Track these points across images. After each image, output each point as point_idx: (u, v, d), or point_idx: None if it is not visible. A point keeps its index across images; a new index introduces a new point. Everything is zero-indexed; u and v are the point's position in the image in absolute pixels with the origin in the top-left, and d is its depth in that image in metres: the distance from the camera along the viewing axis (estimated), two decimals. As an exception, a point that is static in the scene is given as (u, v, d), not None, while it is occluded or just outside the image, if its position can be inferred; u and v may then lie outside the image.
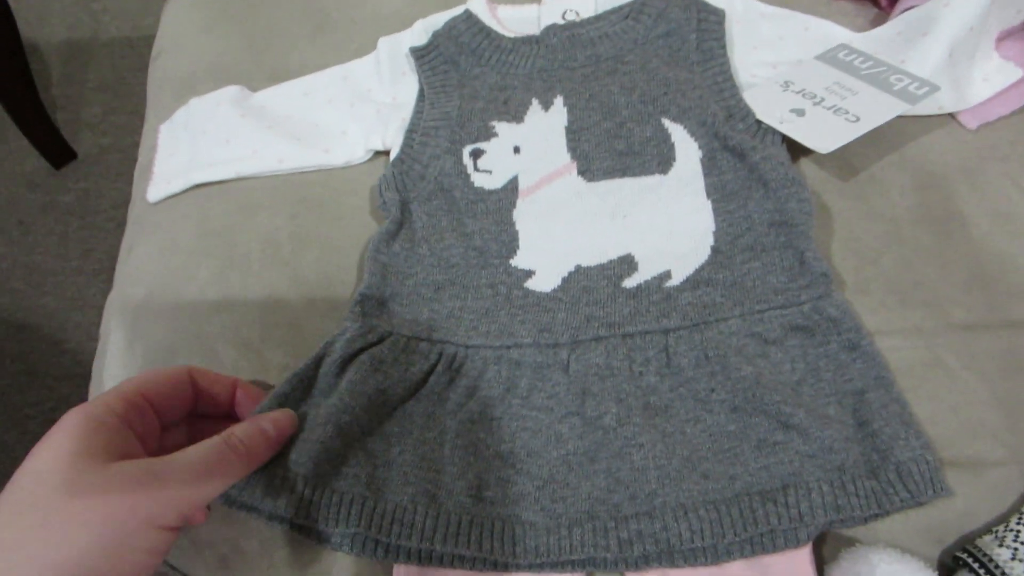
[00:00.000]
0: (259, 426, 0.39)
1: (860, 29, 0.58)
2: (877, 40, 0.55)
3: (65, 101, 1.56)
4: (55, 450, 0.34)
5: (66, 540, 0.31)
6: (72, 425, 0.35)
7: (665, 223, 0.49)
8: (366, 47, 0.62)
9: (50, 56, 1.64)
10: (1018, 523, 0.41)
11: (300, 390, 0.44)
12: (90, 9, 1.73)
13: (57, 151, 1.45)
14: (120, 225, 1.44)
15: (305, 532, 0.43)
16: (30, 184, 1.46)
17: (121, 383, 0.39)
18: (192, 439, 0.38)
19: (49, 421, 1.11)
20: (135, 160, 1.52)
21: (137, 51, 1.65)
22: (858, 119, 0.49)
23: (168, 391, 0.40)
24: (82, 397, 1.23)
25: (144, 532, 0.33)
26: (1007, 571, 0.39)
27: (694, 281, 0.47)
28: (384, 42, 0.60)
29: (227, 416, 0.44)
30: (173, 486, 0.34)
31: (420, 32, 0.60)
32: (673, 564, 0.41)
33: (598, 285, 0.47)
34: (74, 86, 1.59)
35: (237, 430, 0.38)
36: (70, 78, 1.61)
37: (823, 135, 0.49)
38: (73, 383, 1.24)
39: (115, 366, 0.52)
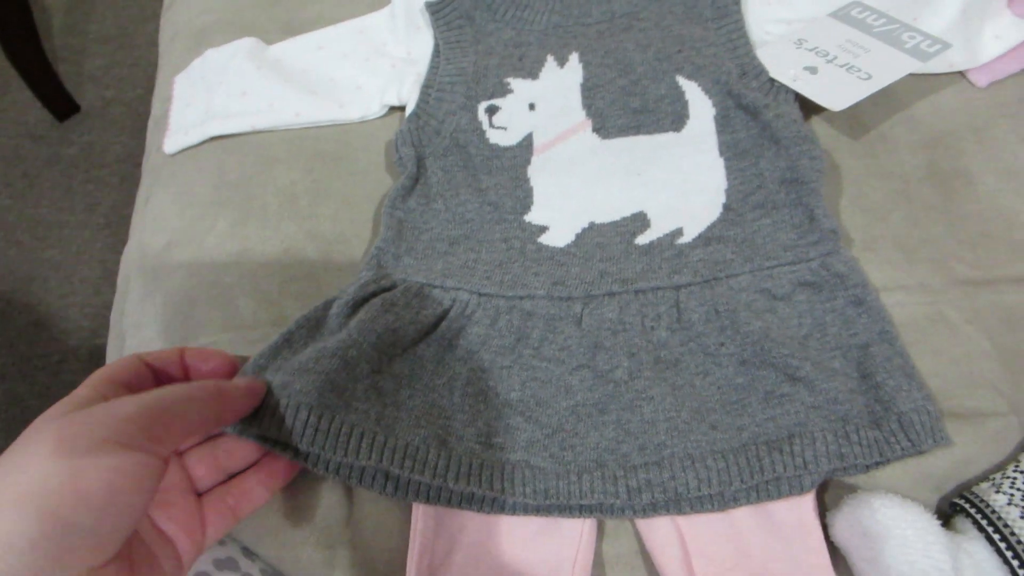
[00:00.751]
0: (234, 381, 0.40)
1: (874, -14, 0.58)
2: (891, -3, 0.55)
3: (68, 52, 1.55)
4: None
5: (21, 473, 0.30)
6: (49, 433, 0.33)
7: (678, 181, 0.50)
8: (380, 0, 0.61)
9: (52, 7, 1.62)
10: (1015, 471, 0.42)
11: (306, 329, 0.45)
12: (91, -41, 1.71)
13: (61, 103, 1.44)
14: (125, 179, 1.44)
15: (312, 463, 0.43)
16: (33, 136, 1.46)
17: (74, 391, 0.37)
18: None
19: (56, 372, 1.13)
20: (139, 113, 1.51)
21: (139, 3, 1.63)
22: (870, 77, 0.49)
23: (127, 373, 0.39)
24: (90, 348, 1.24)
25: (104, 450, 0.31)
26: (1003, 515, 0.41)
27: (705, 238, 0.48)
28: (399, -5, 0.60)
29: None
30: (132, 407, 0.33)
31: (435, -14, 0.60)
32: (680, 511, 0.42)
33: (611, 241, 0.48)
34: (76, 37, 1.58)
35: (216, 383, 0.39)
36: (72, 29, 1.59)
37: (835, 93, 0.49)
38: (80, 335, 1.25)
39: (136, 314, 0.53)
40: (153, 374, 0.40)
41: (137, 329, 0.53)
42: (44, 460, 0.30)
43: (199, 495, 0.41)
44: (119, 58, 1.55)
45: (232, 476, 0.42)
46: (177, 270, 0.53)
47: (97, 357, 1.21)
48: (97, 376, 0.37)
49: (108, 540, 0.31)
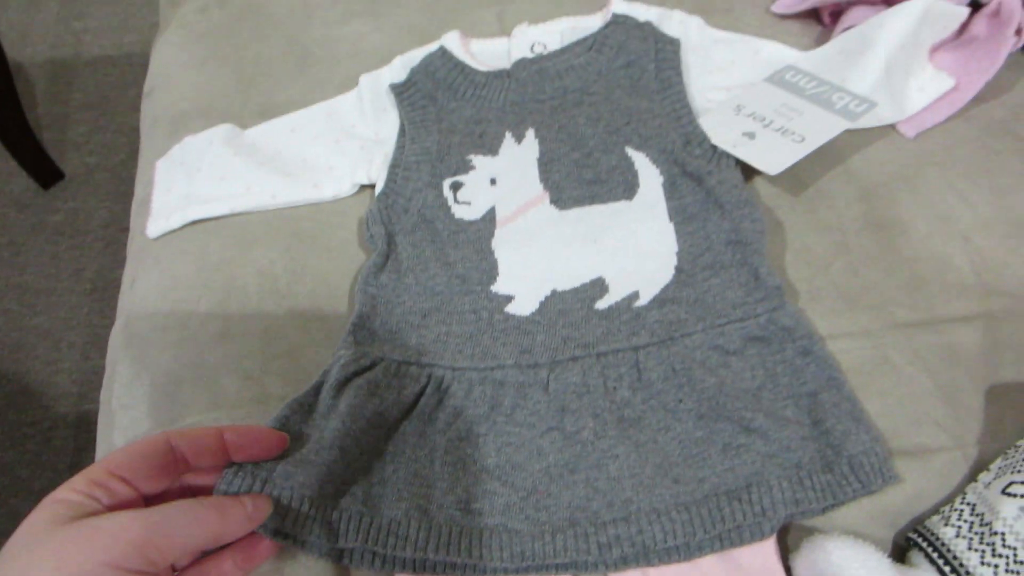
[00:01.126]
0: (240, 500, 0.40)
1: (806, 48, 0.62)
2: (820, 59, 0.59)
3: (51, 121, 1.58)
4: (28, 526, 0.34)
5: None
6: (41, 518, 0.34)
7: (632, 246, 0.53)
8: (349, 82, 0.65)
9: (34, 76, 1.66)
10: (962, 502, 0.45)
11: (300, 414, 0.48)
12: (72, 28, 1.75)
13: (45, 171, 1.47)
14: (110, 244, 1.47)
15: (307, 547, 0.45)
16: (19, 205, 1.48)
17: (90, 467, 0.37)
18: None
19: (46, 440, 1.14)
20: (122, 178, 1.54)
21: (120, 69, 1.67)
22: (803, 139, 0.53)
23: (139, 460, 0.38)
24: (79, 414, 1.25)
25: (103, 574, 0.32)
26: (952, 548, 0.43)
27: (660, 300, 0.51)
28: (365, 79, 0.64)
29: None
30: (135, 532, 0.34)
31: (399, 68, 0.64)
32: (650, 563, 0.44)
33: (573, 308, 0.52)
34: (59, 105, 1.61)
35: (219, 498, 0.39)
36: (55, 97, 1.62)
37: (772, 157, 0.53)
38: (69, 401, 1.27)
39: (124, 395, 0.55)
40: (175, 457, 0.40)
41: (125, 410, 0.55)
42: None
43: (175, 570, 0.41)
44: (102, 124, 1.59)
45: (207, 554, 0.43)
46: (163, 352, 0.55)
47: (86, 423, 1.22)
48: (102, 466, 0.37)
49: None
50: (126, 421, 0.54)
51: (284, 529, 0.44)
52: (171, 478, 0.40)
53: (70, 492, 0.36)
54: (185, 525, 0.36)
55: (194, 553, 0.39)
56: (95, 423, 0.58)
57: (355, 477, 0.46)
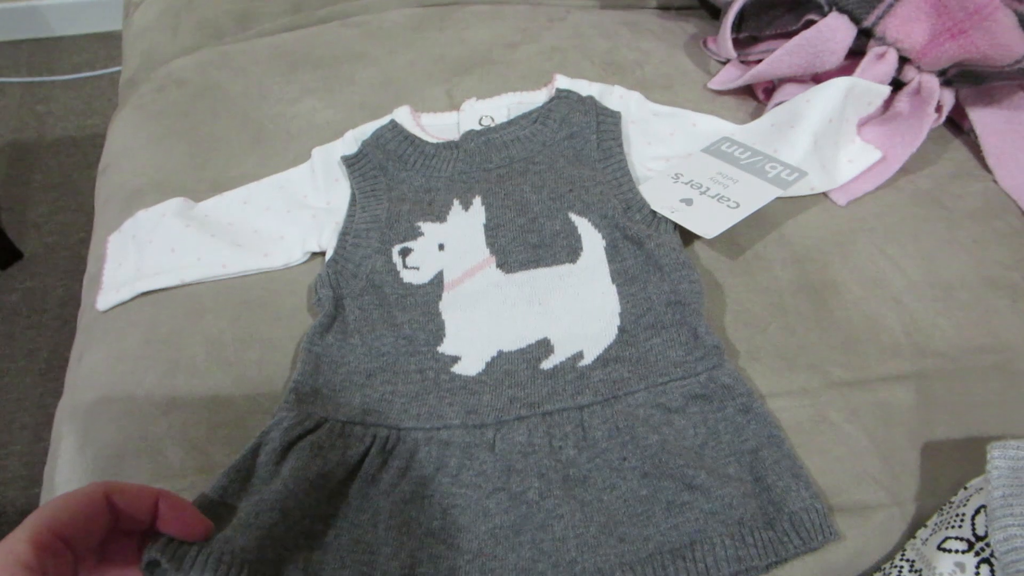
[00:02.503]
0: None
1: (742, 121, 0.66)
2: (754, 132, 0.62)
3: (11, 202, 1.58)
4: None
5: None
6: None
7: (576, 307, 0.54)
8: (301, 157, 0.67)
9: (-6, 159, 1.67)
10: (901, 559, 0.46)
11: (238, 482, 0.47)
12: (35, 111, 1.77)
13: (2, 252, 1.46)
14: (66, 323, 1.45)
15: None
16: (-26, 286, 1.47)
17: (30, 518, 0.35)
18: (104, 559, 0.38)
19: (-5, 525, 1.08)
20: (81, 257, 1.53)
21: (82, 150, 1.69)
22: (738, 205, 0.56)
23: (82, 521, 0.37)
24: (28, 500, 1.21)
25: None
26: (892, 604, 0.44)
27: (604, 359, 0.52)
28: (318, 152, 0.66)
29: (143, 531, 0.42)
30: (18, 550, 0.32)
31: (351, 141, 0.66)
32: (596, 624, 0.44)
33: (518, 368, 0.52)
34: (19, 187, 1.61)
35: None
36: (16, 179, 1.63)
37: (708, 222, 0.55)
38: (19, 485, 1.23)
39: (66, 470, 0.54)
40: (111, 512, 0.38)
41: (68, 484, 0.54)
42: None
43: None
44: (63, 204, 1.59)
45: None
46: (108, 424, 0.55)
47: (35, 507, 1.18)
48: (44, 525, 0.35)
49: None
50: (66, 494, 0.53)
51: None
52: (103, 534, 0.38)
53: (20, 568, 0.33)
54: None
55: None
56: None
57: (296, 542, 0.45)
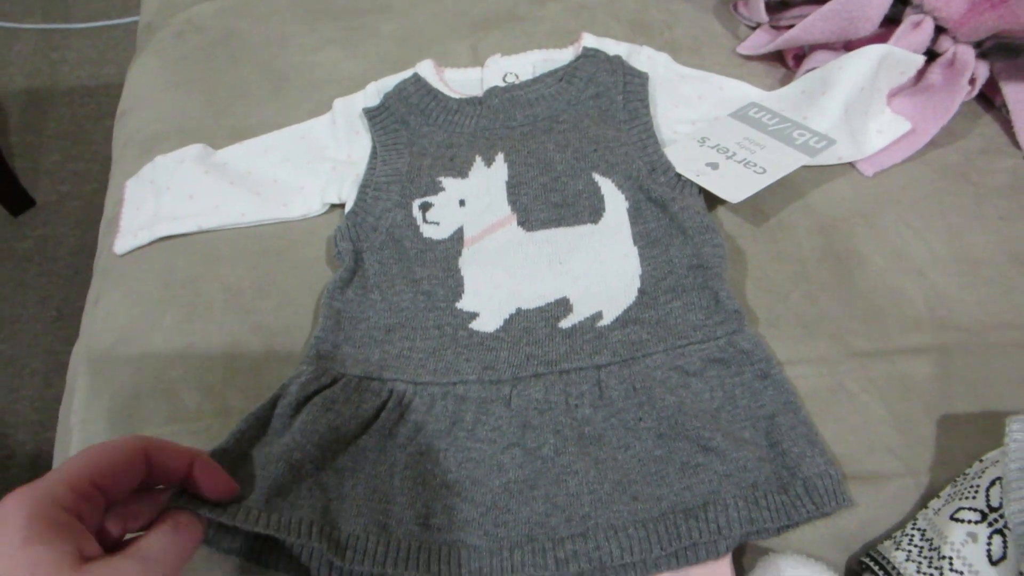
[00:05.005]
0: (175, 539, 0.39)
1: (770, 88, 0.65)
2: (783, 98, 0.61)
3: (24, 149, 1.58)
4: (6, 559, 0.32)
5: None
6: (20, 526, 0.32)
7: (597, 268, 0.54)
8: (322, 107, 0.66)
9: (8, 104, 1.66)
10: (912, 528, 0.46)
11: (255, 428, 0.47)
12: (49, 58, 1.76)
13: (15, 199, 1.46)
14: (78, 272, 1.45)
15: (261, 562, 0.45)
16: (-13, 232, 1.47)
17: (69, 463, 0.36)
18: (127, 512, 0.38)
19: (4, 468, 1.12)
20: (94, 206, 1.54)
21: (96, 100, 1.68)
22: (764, 171, 0.55)
23: (119, 472, 0.37)
24: (39, 442, 1.23)
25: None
26: (902, 571, 0.44)
27: (623, 320, 0.52)
28: (339, 103, 0.65)
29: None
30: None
31: (373, 94, 0.65)
32: (607, 579, 0.45)
33: (537, 326, 0.52)
34: (33, 134, 1.61)
35: (155, 549, 0.37)
36: (29, 126, 1.62)
37: (734, 186, 0.54)
38: (29, 429, 1.24)
39: (83, 411, 0.55)
40: (147, 467, 0.39)
41: (84, 425, 0.54)
42: None
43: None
44: (76, 153, 1.59)
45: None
46: (124, 366, 0.55)
47: (45, 450, 1.20)
48: (83, 472, 0.35)
49: None
50: (84, 436, 0.53)
51: (235, 546, 0.44)
52: (134, 486, 0.39)
53: (51, 507, 0.34)
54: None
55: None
56: (53, 454, 0.57)
57: (311, 492, 0.46)
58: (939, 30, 0.63)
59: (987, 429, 0.48)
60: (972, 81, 0.64)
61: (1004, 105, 0.66)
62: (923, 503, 0.47)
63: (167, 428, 0.51)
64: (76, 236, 1.47)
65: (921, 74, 0.64)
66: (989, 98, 0.68)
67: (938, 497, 0.47)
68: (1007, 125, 0.66)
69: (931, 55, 0.64)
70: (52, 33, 1.82)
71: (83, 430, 0.54)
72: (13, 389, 1.28)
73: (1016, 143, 0.65)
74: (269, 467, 0.45)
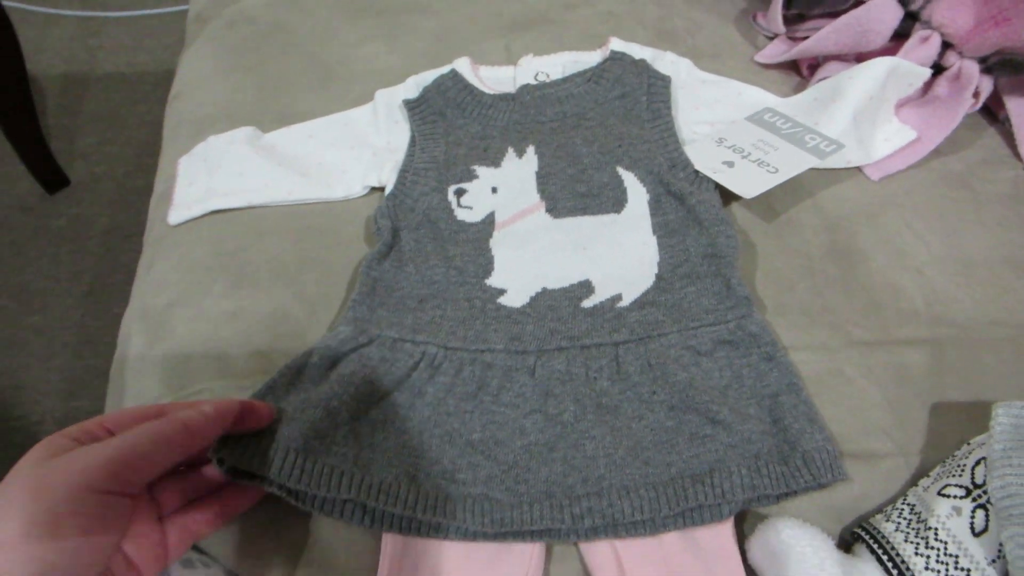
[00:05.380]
0: (200, 409, 0.42)
1: (785, 95, 0.69)
2: (797, 105, 0.65)
3: (60, 130, 1.63)
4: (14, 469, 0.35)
5: (6, 518, 0.33)
6: (23, 519, 0.34)
7: (618, 254, 0.58)
8: (364, 97, 0.71)
9: (47, 87, 1.71)
10: (902, 503, 0.50)
11: (288, 377, 0.52)
12: (87, 45, 1.81)
13: (51, 177, 1.51)
14: (109, 250, 1.51)
15: (299, 499, 0.49)
16: (24, 208, 1.52)
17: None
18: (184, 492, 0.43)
19: (34, 435, 1.18)
20: (125, 188, 1.59)
21: (131, 86, 1.73)
22: (777, 170, 0.59)
23: (133, 424, 0.40)
24: (66, 410, 1.28)
25: (78, 497, 0.34)
26: (891, 540, 0.48)
27: (641, 302, 0.56)
28: (381, 94, 0.70)
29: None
30: (105, 454, 0.36)
31: (412, 86, 0.69)
32: (618, 535, 0.48)
33: (561, 304, 0.56)
34: (69, 116, 1.66)
35: (179, 412, 0.41)
36: (66, 109, 1.68)
37: (748, 183, 0.58)
38: (58, 398, 1.29)
39: (137, 365, 0.59)
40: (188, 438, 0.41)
41: (137, 378, 0.58)
42: (24, 511, 0.33)
43: (161, 518, 0.43)
44: (110, 136, 1.64)
45: (192, 501, 0.45)
46: (177, 326, 0.59)
47: (73, 417, 1.24)
48: (95, 419, 0.39)
49: (88, 570, 0.34)
50: (137, 388, 0.57)
51: (273, 477, 0.47)
52: (176, 461, 0.41)
53: (59, 438, 0.38)
54: (150, 445, 0.38)
55: (165, 469, 0.40)
56: (81, 419, 0.60)
57: (344, 440, 0.49)
58: (946, 45, 0.67)
59: (976, 417, 0.51)
60: (976, 94, 0.68)
61: (1007, 119, 0.70)
62: (913, 482, 0.51)
63: (216, 383, 0.55)
64: (108, 215, 1.52)
65: (928, 87, 0.68)
66: (993, 112, 0.72)
67: (927, 476, 0.50)
68: (1009, 138, 0.69)
69: (938, 69, 0.68)
70: (90, 20, 1.88)
71: (136, 383, 0.58)
72: (45, 359, 1.32)
73: (1018, 155, 0.69)
74: (308, 411, 0.48)
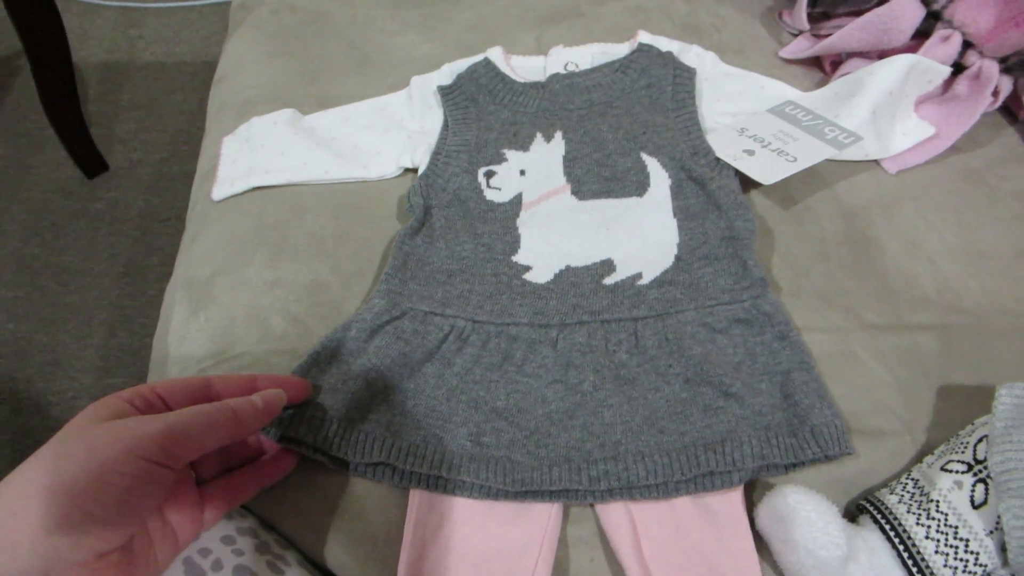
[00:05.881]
0: (250, 400, 0.44)
1: (807, 90, 0.71)
2: (818, 99, 0.68)
3: (100, 117, 1.68)
4: (71, 423, 0.38)
5: (55, 467, 0.36)
6: (40, 513, 0.36)
7: (639, 236, 0.61)
8: (400, 83, 0.74)
9: (89, 75, 1.77)
10: (907, 478, 0.52)
11: (330, 351, 0.55)
12: (127, 35, 1.87)
13: (91, 162, 1.56)
14: (145, 233, 1.55)
15: (336, 462, 0.53)
16: (64, 191, 1.57)
17: (138, 385, 0.42)
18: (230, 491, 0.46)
19: (70, 408, 1.23)
20: (162, 174, 1.63)
21: (169, 75, 1.78)
22: (795, 160, 0.61)
23: (181, 392, 0.43)
24: (103, 387, 1.33)
25: (127, 460, 0.36)
26: (894, 511, 0.50)
27: (660, 281, 0.58)
28: (416, 80, 0.73)
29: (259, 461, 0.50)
30: (157, 427, 0.38)
31: (446, 73, 0.72)
32: (632, 498, 0.51)
33: (583, 281, 0.59)
34: (109, 104, 1.72)
35: (231, 401, 0.43)
36: (106, 96, 1.73)
37: (767, 170, 0.61)
38: (94, 375, 1.33)
39: (180, 330, 0.62)
40: (212, 397, 0.45)
41: (181, 343, 0.61)
42: (77, 461, 0.36)
43: (200, 485, 0.46)
44: (148, 124, 1.69)
45: (229, 469, 0.48)
46: (220, 294, 0.63)
47: (108, 392, 1.28)
48: (147, 385, 0.42)
49: (119, 532, 0.37)
50: (180, 352, 0.61)
51: (317, 445, 0.51)
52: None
53: (114, 399, 0.41)
54: (201, 427, 0.40)
55: (209, 451, 0.42)
56: (148, 373, 0.64)
57: (379, 408, 0.53)
58: (967, 45, 0.69)
59: (982, 400, 0.53)
60: (995, 93, 0.70)
61: (1025, 118, 0.72)
62: (918, 459, 0.53)
63: (258, 347, 0.59)
64: (144, 200, 1.56)
65: (948, 85, 0.70)
66: (1013, 112, 0.74)
67: (932, 454, 0.52)
68: (1028, 137, 0.71)
69: (958, 68, 0.70)
70: (130, 11, 1.93)
71: (179, 347, 0.61)
72: (81, 337, 1.37)
73: (1035, 154, 0.70)
74: (349, 382, 0.52)
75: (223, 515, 0.47)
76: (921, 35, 0.70)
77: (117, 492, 0.36)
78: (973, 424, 0.52)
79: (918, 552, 0.47)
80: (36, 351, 1.35)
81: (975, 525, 0.47)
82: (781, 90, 0.70)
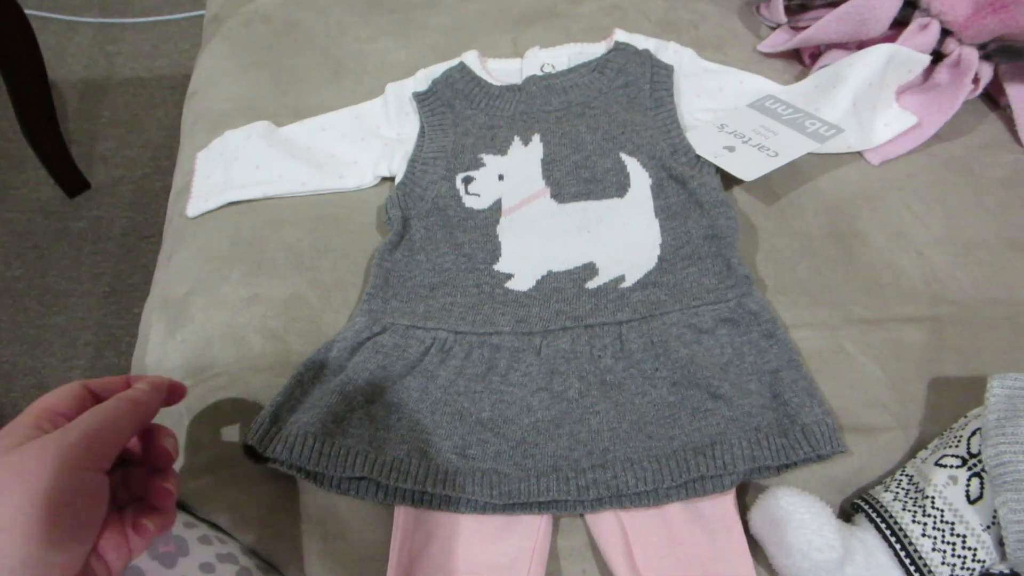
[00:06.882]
0: (137, 387, 0.44)
1: (787, 83, 0.70)
2: (798, 92, 0.67)
3: (81, 135, 1.66)
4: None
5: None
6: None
7: (621, 237, 0.60)
8: (375, 91, 0.73)
9: (67, 93, 1.75)
10: (901, 474, 0.51)
11: (313, 370, 0.54)
12: (106, 51, 1.85)
13: (72, 181, 1.54)
14: (129, 251, 1.54)
15: (317, 480, 0.52)
16: (45, 211, 1.55)
17: (28, 409, 0.40)
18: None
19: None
20: (144, 190, 1.61)
21: (149, 91, 1.76)
22: (777, 154, 0.60)
23: (71, 403, 0.41)
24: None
25: (64, 475, 0.35)
26: (889, 509, 0.49)
27: (643, 283, 0.58)
28: (391, 87, 0.72)
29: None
30: (78, 430, 0.37)
31: (422, 79, 0.71)
32: (622, 506, 0.50)
33: (566, 286, 0.58)
34: (89, 122, 1.70)
35: (120, 393, 0.42)
36: (86, 114, 1.71)
37: (748, 166, 0.60)
38: (81, 397, 1.32)
39: (157, 352, 0.61)
40: (95, 399, 0.43)
41: (159, 364, 0.60)
42: (17, 493, 0.34)
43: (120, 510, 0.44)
44: (129, 140, 1.67)
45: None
46: (196, 313, 0.61)
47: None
48: (39, 406, 0.40)
49: (79, 552, 0.36)
50: (160, 374, 0.60)
51: (293, 462, 0.50)
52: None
53: (18, 426, 0.39)
54: (111, 420, 0.40)
55: (126, 442, 0.42)
56: None
57: (361, 422, 0.52)
58: (945, 33, 0.68)
59: (973, 391, 0.52)
60: (976, 81, 0.69)
61: (1008, 105, 0.71)
62: (912, 454, 0.52)
63: (235, 366, 0.57)
64: (127, 218, 1.55)
65: (928, 73, 0.69)
66: (995, 98, 0.73)
67: (925, 449, 0.52)
68: (1010, 123, 0.71)
69: (938, 56, 0.69)
70: (108, 27, 1.92)
71: (157, 369, 0.60)
72: (67, 358, 1.35)
73: (1018, 140, 0.70)
74: (325, 397, 0.52)
75: (147, 545, 0.44)
76: (899, 24, 0.69)
77: (68, 511, 0.35)
78: (966, 417, 0.52)
79: (915, 550, 0.46)
80: (21, 374, 1.33)
81: (972, 520, 0.46)
82: (761, 84, 0.70)
